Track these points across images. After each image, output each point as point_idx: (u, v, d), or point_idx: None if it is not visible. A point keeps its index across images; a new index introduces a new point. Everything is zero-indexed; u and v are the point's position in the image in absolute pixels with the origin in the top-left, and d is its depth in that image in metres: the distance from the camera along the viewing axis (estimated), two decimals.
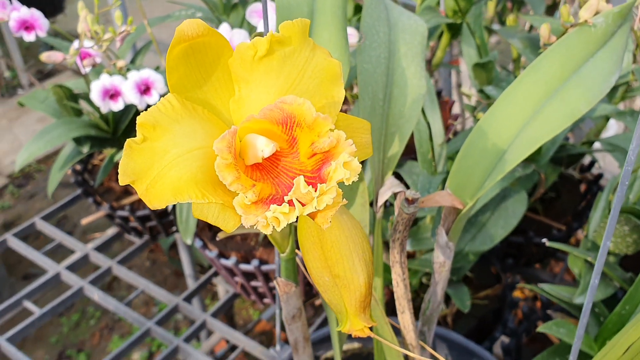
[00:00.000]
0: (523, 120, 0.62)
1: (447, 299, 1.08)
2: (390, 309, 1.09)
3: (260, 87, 0.43)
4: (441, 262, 0.65)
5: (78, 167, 1.43)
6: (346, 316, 0.47)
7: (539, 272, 1.34)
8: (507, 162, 0.61)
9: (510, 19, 1.54)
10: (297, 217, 0.38)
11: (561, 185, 1.32)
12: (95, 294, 1.34)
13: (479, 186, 0.64)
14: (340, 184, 0.40)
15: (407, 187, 1.07)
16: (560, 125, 0.60)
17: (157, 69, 1.25)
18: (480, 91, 1.14)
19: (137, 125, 0.39)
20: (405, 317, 0.62)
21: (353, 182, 0.39)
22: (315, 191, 0.38)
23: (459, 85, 2.04)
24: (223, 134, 0.39)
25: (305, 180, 0.40)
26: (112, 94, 1.05)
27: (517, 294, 1.54)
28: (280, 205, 0.38)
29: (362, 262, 0.45)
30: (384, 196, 0.69)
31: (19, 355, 1.20)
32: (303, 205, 0.38)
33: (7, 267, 2.39)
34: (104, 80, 1.04)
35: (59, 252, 1.56)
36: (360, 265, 0.45)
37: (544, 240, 0.83)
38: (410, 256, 1.12)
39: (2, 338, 1.23)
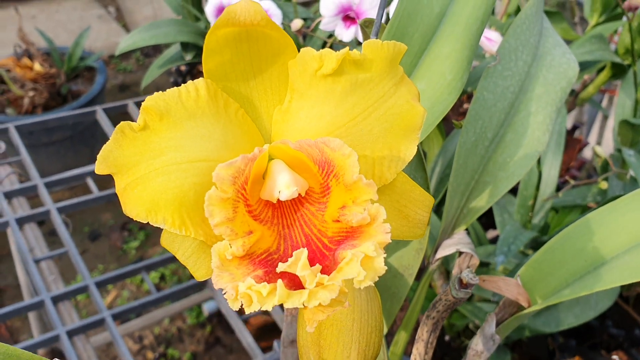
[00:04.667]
0: None
1: None
2: None
3: (314, 108, 0.33)
4: (478, 351, 0.55)
5: (183, 68, 1.38)
6: None
7: None
8: (601, 279, 0.49)
9: None
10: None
11: None
12: None
13: (557, 290, 0.51)
14: None
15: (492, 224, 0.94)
16: None
17: None
18: (618, 150, 0.98)
19: (141, 108, 0.31)
20: None
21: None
22: (313, 279, 0.28)
23: (605, 118, 1.82)
24: (233, 160, 0.30)
25: (313, 251, 0.30)
26: None
27: None
28: (262, 279, 0.29)
29: (361, 358, 0.35)
30: (445, 250, 0.59)
31: (62, 228, 1.21)
32: (290, 289, 0.28)
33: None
34: None
35: None
36: None
37: (615, 357, 0.70)
38: None
39: (54, 206, 1.23)
